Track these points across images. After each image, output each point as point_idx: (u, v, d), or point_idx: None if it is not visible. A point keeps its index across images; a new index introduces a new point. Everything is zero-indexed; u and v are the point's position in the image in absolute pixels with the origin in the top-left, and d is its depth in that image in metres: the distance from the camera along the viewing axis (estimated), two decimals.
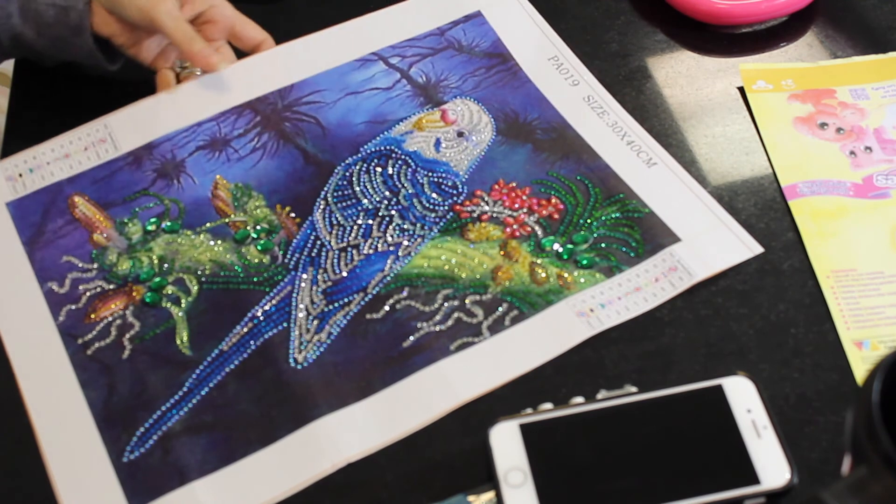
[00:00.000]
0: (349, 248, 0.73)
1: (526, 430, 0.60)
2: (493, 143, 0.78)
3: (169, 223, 0.74)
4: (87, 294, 0.71)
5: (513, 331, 0.67)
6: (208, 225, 0.74)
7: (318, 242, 0.73)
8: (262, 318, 0.69)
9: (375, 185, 0.76)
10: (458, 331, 0.67)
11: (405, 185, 0.76)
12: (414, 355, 0.66)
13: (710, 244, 0.70)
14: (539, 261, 0.71)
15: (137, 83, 0.81)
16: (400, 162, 0.77)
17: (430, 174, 0.76)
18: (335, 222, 0.74)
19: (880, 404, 0.45)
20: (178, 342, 0.68)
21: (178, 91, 0.80)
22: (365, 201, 0.75)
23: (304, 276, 0.71)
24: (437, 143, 0.78)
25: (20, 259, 0.73)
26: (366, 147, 0.78)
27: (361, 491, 0.61)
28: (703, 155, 0.77)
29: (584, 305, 0.68)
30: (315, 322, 0.69)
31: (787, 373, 0.65)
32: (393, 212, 0.74)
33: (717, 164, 0.76)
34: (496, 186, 0.75)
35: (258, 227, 0.74)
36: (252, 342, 0.68)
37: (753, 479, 0.57)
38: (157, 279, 0.71)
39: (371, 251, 0.72)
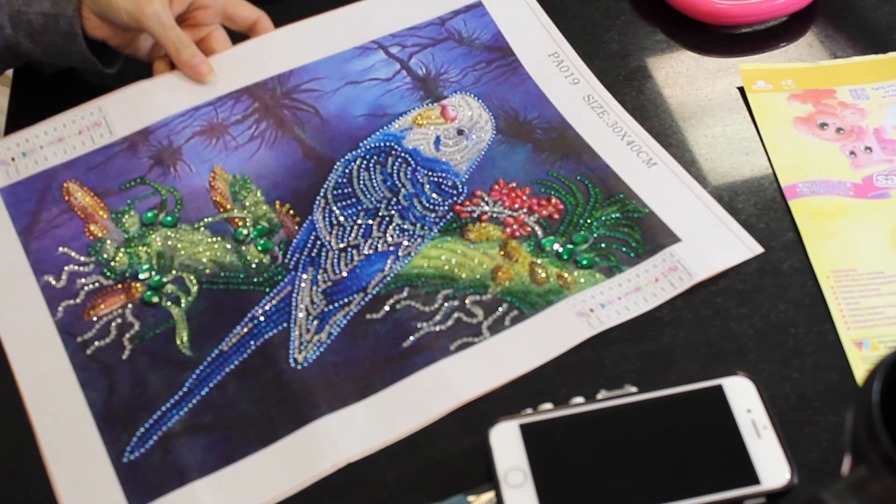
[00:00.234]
0: (349, 248, 0.72)
1: (526, 430, 0.60)
2: (493, 142, 0.78)
3: (166, 216, 0.74)
4: (85, 289, 0.70)
5: (513, 331, 0.67)
6: (207, 220, 0.74)
7: (318, 242, 0.73)
8: (262, 319, 0.69)
9: (375, 185, 0.76)
10: (458, 331, 0.67)
11: (405, 184, 0.76)
12: (414, 355, 0.66)
13: (710, 244, 0.70)
14: (539, 261, 0.71)
15: (137, 81, 0.81)
16: (400, 160, 0.77)
17: (430, 174, 0.76)
18: (335, 222, 0.74)
19: (880, 404, 0.45)
20: (178, 342, 0.68)
21: (175, 74, 0.79)
22: (365, 201, 0.75)
23: (304, 276, 0.71)
24: (437, 141, 0.78)
25: (15, 250, 0.72)
26: (365, 142, 0.78)
27: (361, 491, 0.61)
28: (703, 155, 0.77)
29: (584, 305, 0.68)
30: (315, 322, 0.69)
31: (787, 373, 0.65)
32: (393, 212, 0.74)
33: (717, 164, 0.76)
34: (496, 186, 0.75)
35: (258, 226, 0.74)
36: (252, 342, 0.68)
37: (753, 479, 0.57)
38: (157, 277, 0.71)
39: (371, 251, 0.72)
